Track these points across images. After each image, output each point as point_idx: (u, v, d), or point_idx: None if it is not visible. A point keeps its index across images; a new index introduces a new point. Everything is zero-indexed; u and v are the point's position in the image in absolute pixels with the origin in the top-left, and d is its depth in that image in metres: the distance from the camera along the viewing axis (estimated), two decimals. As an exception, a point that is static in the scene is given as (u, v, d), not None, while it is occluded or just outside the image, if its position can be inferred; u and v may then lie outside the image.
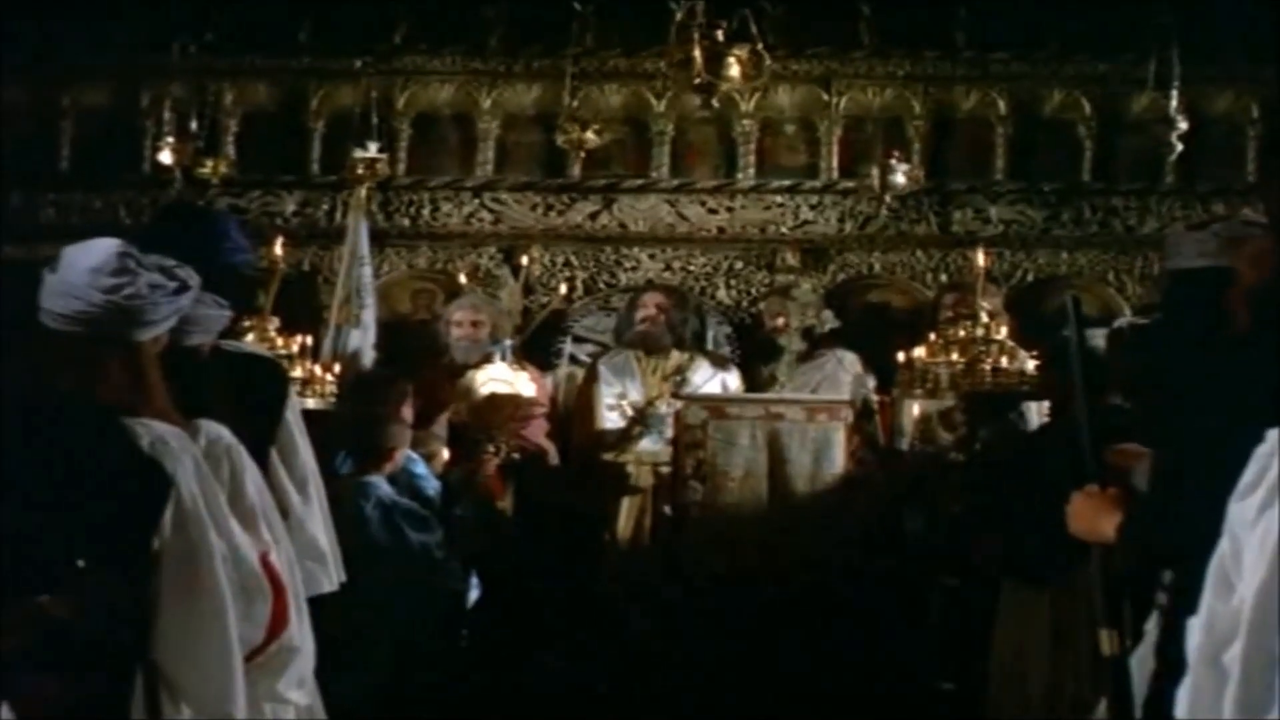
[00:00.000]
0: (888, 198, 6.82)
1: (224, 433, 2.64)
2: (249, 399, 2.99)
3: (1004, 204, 7.24)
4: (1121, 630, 2.72)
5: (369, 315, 6.47)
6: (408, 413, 5.06)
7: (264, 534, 2.67)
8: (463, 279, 7.02)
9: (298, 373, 4.87)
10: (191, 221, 3.37)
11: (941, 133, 7.31)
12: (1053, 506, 2.84)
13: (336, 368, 5.60)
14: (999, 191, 7.25)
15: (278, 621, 2.58)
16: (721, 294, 7.32)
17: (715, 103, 5.32)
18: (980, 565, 4.59)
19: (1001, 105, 7.25)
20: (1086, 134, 7.25)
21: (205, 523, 2.35)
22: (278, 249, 5.01)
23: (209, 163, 6.67)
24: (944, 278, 7.16)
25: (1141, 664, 2.72)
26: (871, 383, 6.27)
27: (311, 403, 4.91)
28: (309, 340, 4.98)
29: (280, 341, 4.89)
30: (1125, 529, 2.61)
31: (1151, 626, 2.76)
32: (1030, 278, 7.23)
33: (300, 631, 2.71)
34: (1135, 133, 7.17)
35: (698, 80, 5.04)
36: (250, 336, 4.87)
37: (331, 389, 4.97)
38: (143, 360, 2.45)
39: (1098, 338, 3.86)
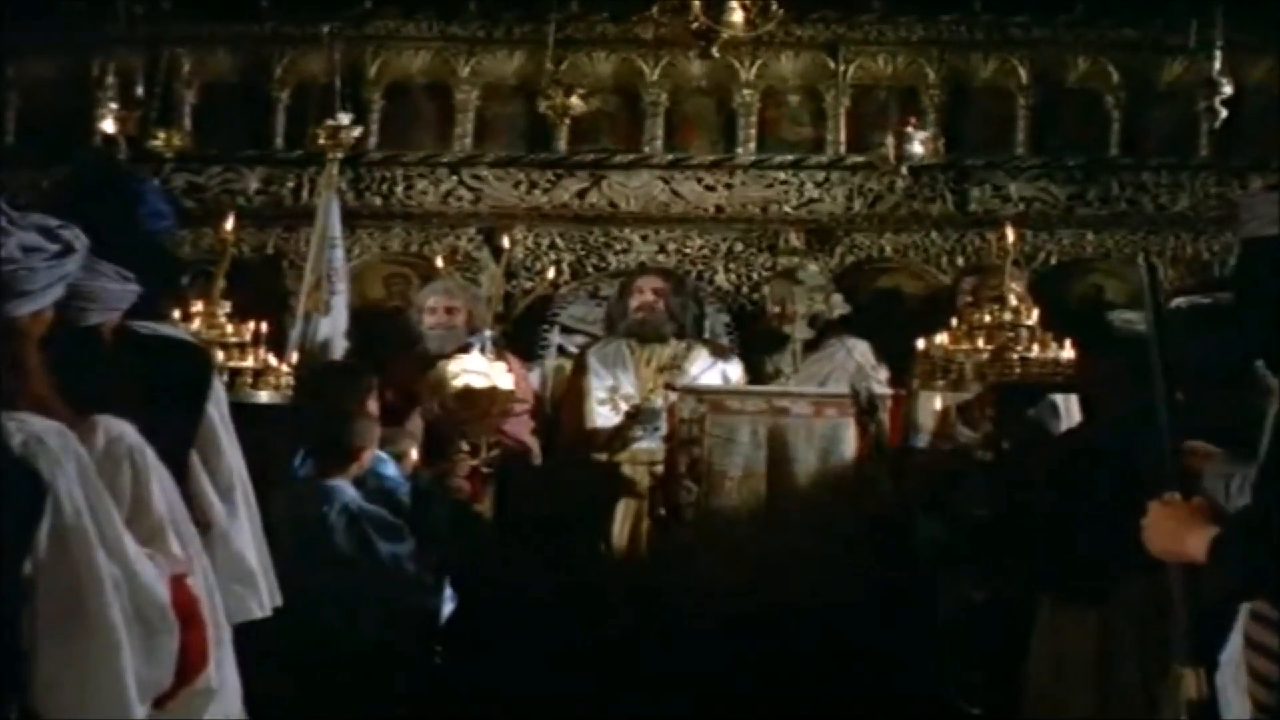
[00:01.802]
0: (904, 170, 6.57)
1: (127, 431, 2.34)
2: (163, 391, 2.68)
3: (1025, 180, 7.00)
4: (1210, 671, 2.40)
5: (340, 302, 6.22)
6: (374, 407, 4.83)
7: (176, 552, 2.35)
8: (440, 262, 6.78)
9: (249, 362, 4.57)
10: (100, 183, 3.10)
11: (958, 104, 7.08)
12: (1100, 513, 2.71)
13: (294, 357, 5.32)
14: (1020, 167, 7.02)
15: (193, 659, 2.29)
16: (720, 278, 7.09)
17: (715, 52, 5.02)
18: (1012, 577, 4.29)
19: (1022, 74, 7.02)
20: (1114, 105, 7.01)
21: (92, 540, 2.08)
22: (228, 225, 4.72)
23: (161, 134, 6.42)
24: (960, 260, 6.95)
25: (1220, 696, 2.41)
26: (884, 374, 6.05)
27: (265, 396, 4.62)
28: (264, 326, 4.70)
29: (230, 328, 4.58)
30: (1221, 548, 2.27)
31: (1226, 659, 2.45)
32: (1053, 260, 7.00)
33: (220, 669, 2.46)
34: (1166, 103, 6.98)
35: (695, 25, 4.74)
36: (197, 323, 4.52)
37: (288, 381, 4.67)
38: (17, 340, 2.17)
39: (1141, 322, 3.55)
